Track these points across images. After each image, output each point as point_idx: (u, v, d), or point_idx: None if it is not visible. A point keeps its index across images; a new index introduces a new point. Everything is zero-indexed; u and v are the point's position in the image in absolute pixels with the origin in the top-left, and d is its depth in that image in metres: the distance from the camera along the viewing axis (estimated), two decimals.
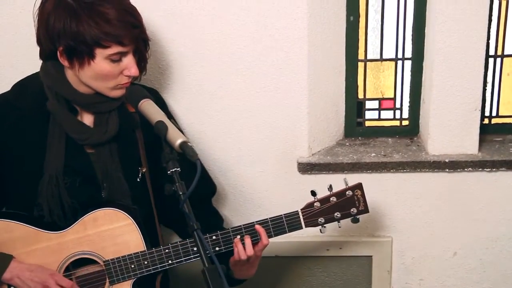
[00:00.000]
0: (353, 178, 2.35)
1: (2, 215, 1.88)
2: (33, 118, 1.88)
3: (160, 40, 2.23)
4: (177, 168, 1.56)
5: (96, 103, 1.89)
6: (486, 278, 2.57)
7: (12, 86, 1.95)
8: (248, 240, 1.92)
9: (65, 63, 1.81)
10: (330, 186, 1.97)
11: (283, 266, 2.60)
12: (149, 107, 1.70)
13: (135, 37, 1.80)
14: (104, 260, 1.87)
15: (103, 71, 1.79)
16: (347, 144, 2.54)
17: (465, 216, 2.47)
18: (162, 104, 2.12)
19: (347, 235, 2.50)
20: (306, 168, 2.39)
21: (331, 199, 1.96)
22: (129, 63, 1.82)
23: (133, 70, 1.83)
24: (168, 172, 1.56)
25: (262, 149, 2.40)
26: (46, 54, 1.85)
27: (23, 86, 1.94)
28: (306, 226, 1.97)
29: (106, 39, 1.74)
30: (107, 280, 1.87)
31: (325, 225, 1.98)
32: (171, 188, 1.55)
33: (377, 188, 2.42)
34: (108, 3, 1.75)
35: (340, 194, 1.97)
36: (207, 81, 2.30)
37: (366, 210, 2.00)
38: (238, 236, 1.93)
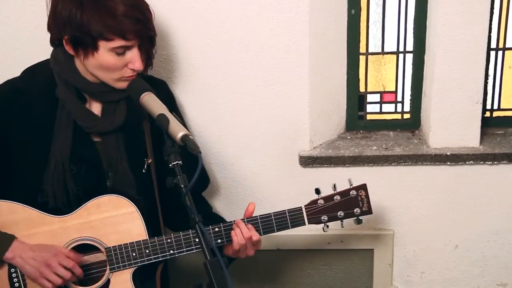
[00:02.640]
0: (354, 172, 2.38)
1: (6, 197, 1.88)
2: (41, 104, 1.89)
3: (161, 34, 2.23)
4: (179, 161, 1.57)
5: (102, 92, 1.89)
6: (488, 271, 2.57)
7: (22, 72, 1.95)
8: (249, 226, 1.92)
9: (71, 51, 1.81)
10: (334, 185, 1.97)
11: (285, 260, 2.60)
12: (150, 100, 1.71)
13: (139, 32, 1.79)
14: (105, 247, 1.87)
15: (107, 63, 1.79)
16: (349, 137, 2.54)
17: (466, 209, 2.47)
18: (170, 97, 2.13)
19: (348, 228, 2.49)
20: (308, 161, 2.39)
21: (335, 197, 1.97)
22: (133, 57, 1.81)
23: (137, 64, 1.82)
24: (170, 165, 1.57)
25: (263, 143, 2.40)
26: (55, 41, 1.86)
27: (33, 72, 1.94)
28: (309, 223, 1.97)
29: (109, 32, 1.74)
30: (108, 267, 1.88)
31: (328, 223, 1.98)
32: (173, 181, 1.56)
33: (379, 181, 2.42)
34: None
35: (344, 193, 1.97)
36: (208, 74, 2.30)
37: (369, 211, 2.00)
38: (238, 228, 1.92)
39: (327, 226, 1.99)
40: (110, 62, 1.79)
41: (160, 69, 2.28)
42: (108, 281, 1.88)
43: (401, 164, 2.39)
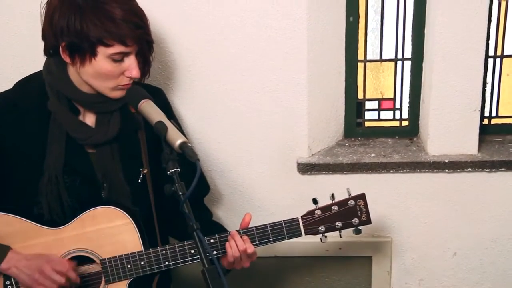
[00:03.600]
0: (352, 179, 2.38)
1: (2, 209, 1.87)
2: (33, 117, 1.88)
3: (159, 40, 2.23)
4: (177, 168, 1.57)
5: (97, 102, 1.88)
6: (486, 278, 2.57)
7: (15, 84, 1.94)
8: (244, 237, 1.90)
9: (67, 59, 1.80)
10: (332, 195, 1.94)
11: (283, 267, 2.60)
12: (148, 108, 1.70)
13: (139, 38, 1.79)
14: (100, 258, 1.86)
15: (104, 70, 1.78)
16: (347, 144, 2.54)
17: (465, 216, 2.47)
18: (166, 105, 2.12)
19: (346, 235, 2.49)
20: (306, 168, 2.39)
21: (333, 207, 1.94)
22: (130, 64, 1.80)
23: (134, 72, 1.81)
24: (168, 172, 1.56)
25: (261, 150, 2.40)
26: (49, 50, 1.85)
27: (25, 84, 1.94)
28: (305, 234, 1.94)
29: (109, 38, 1.73)
30: (103, 279, 1.87)
31: (325, 234, 1.95)
32: (171, 188, 1.55)
33: (377, 188, 2.42)
34: (115, 2, 1.75)
35: (342, 203, 1.94)
36: (206, 82, 2.30)
37: (368, 221, 1.97)
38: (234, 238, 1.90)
39: (325, 237, 1.95)
40: (107, 69, 1.77)
41: (158, 76, 2.28)
42: None
43: (399, 171, 2.39)
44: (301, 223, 1.93)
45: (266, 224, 1.93)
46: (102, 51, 1.75)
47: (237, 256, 1.87)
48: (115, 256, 1.86)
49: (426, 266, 2.56)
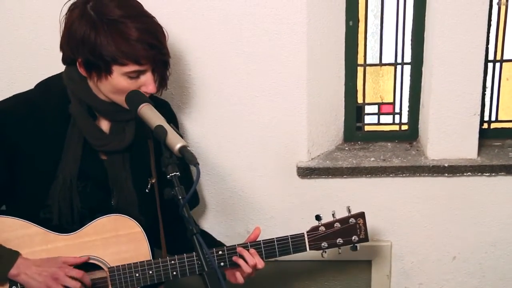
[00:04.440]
0: (352, 183, 2.38)
1: (8, 213, 1.86)
2: (54, 120, 1.87)
3: None
4: (177, 172, 1.57)
5: (114, 111, 1.87)
6: (485, 282, 2.57)
7: (36, 85, 1.93)
8: (252, 251, 1.93)
9: (84, 74, 1.80)
10: (333, 213, 2.00)
11: (283, 271, 2.60)
12: (148, 112, 1.70)
13: (153, 58, 1.77)
14: (109, 266, 1.86)
15: (120, 86, 1.77)
16: (347, 148, 2.54)
17: (464, 220, 2.47)
18: (173, 117, 2.13)
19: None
20: (306, 172, 2.39)
21: (335, 224, 1.99)
22: (147, 81, 1.80)
23: (151, 88, 1.80)
24: (168, 176, 1.56)
25: (261, 154, 2.40)
26: (68, 61, 1.85)
27: (46, 86, 1.93)
28: (310, 249, 1.99)
29: (123, 58, 1.72)
30: (110, 287, 1.86)
31: (326, 250, 2.01)
32: (171, 192, 1.55)
33: (377, 192, 2.42)
34: (132, 21, 1.73)
35: (344, 220, 2.00)
36: (206, 85, 2.31)
37: (366, 239, 2.03)
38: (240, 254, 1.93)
39: (325, 252, 2.01)
40: (123, 85, 1.77)
41: None
42: None
43: (399, 175, 2.39)
44: (306, 239, 1.98)
45: (273, 239, 1.96)
46: (117, 69, 1.75)
47: (249, 272, 1.91)
48: (124, 264, 1.86)
49: (426, 270, 2.56)
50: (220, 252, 1.92)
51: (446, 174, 2.38)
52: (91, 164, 1.89)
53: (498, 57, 2.45)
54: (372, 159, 2.43)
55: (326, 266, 2.57)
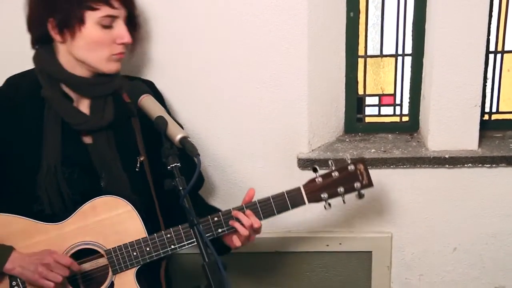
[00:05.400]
0: None
1: (1, 211, 1.86)
2: (28, 108, 1.87)
3: (157, 34, 2.23)
4: (177, 163, 1.56)
5: (91, 85, 1.88)
6: (486, 273, 2.57)
7: (6, 79, 1.94)
8: (248, 212, 1.90)
9: (57, 37, 1.81)
10: (331, 162, 1.94)
11: (283, 262, 2.60)
12: (149, 102, 1.70)
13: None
14: (105, 249, 1.86)
15: (95, 38, 1.79)
16: (347, 140, 2.54)
17: (465, 211, 2.47)
18: (159, 97, 2.11)
19: (346, 230, 2.51)
20: (306, 163, 2.39)
21: (333, 174, 1.92)
22: (120, 30, 1.83)
23: (126, 38, 1.83)
24: (168, 167, 1.56)
25: (262, 145, 2.40)
26: (37, 38, 1.86)
27: (18, 78, 1.93)
28: (309, 202, 1.92)
29: (94, 0, 1.75)
30: (110, 270, 1.86)
31: (329, 200, 1.93)
32: (171, 183, 1.55)
33: (377, 184, 2.40)
34: None
35: (342, 169, 1.92)
36: (206, 76, 2.31)
37: (370, 184, 1.95)
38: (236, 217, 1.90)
39: (329, 205, 1.93)
40: (97, 36, 1.79)
41: (158, 71, 2.28)
42: (112, 284, 1.87)
43: (399, 166, 2.39)
44: (303, 192, 1.92)
45: (269, 197, 1.92)
46: (89, 16, 1.77)
47: (246, 235, 1.87)
48: (120, 245, 1.86)
49: (426, 261, 2.57)
50: (216, 219, 1.89)
51: (447, 166, 2.38)
52: (74, 149, 1.88)
53: (499, 48, 2.45)
54: (373, 150, 2.43)
55: (327, 257, 2.57)
